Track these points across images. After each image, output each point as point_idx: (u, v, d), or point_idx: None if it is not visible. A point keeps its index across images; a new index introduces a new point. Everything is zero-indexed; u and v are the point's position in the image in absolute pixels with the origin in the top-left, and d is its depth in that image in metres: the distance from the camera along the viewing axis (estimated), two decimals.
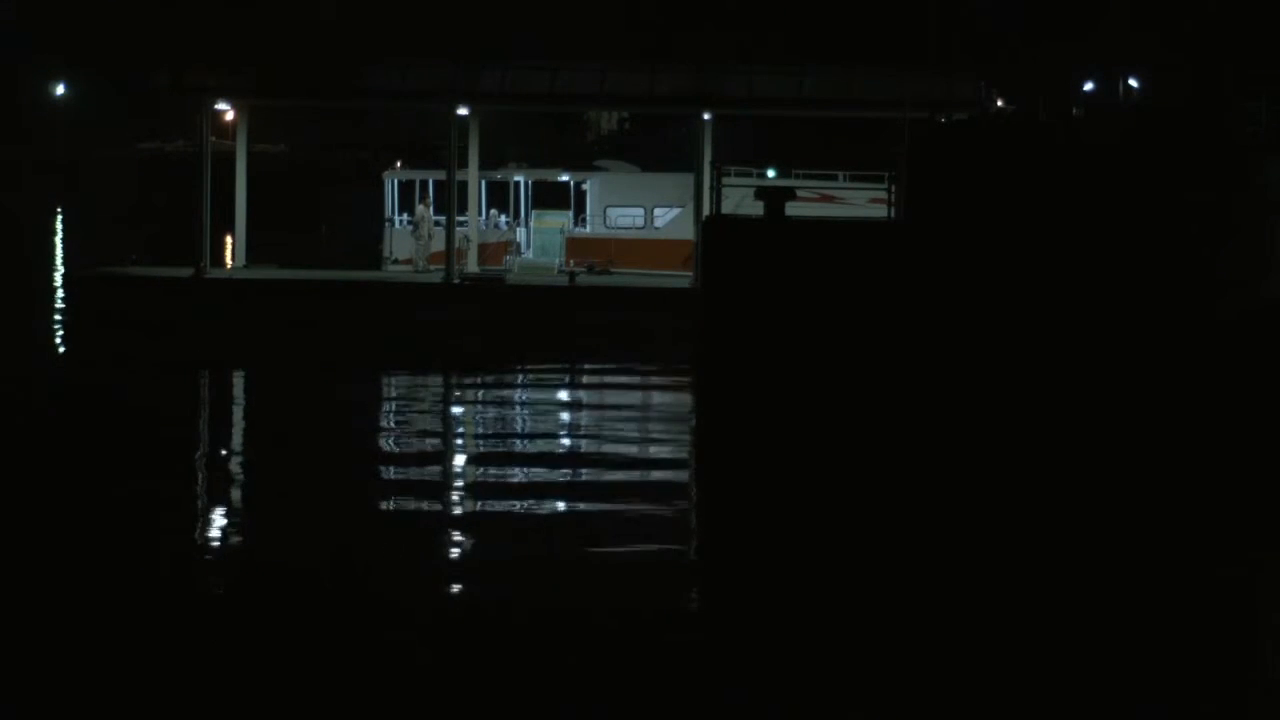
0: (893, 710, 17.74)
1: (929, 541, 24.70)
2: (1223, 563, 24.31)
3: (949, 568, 23.30)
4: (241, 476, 29.63)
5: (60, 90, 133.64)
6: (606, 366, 43.27)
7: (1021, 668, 19.10)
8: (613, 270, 51.97)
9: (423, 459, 31.55)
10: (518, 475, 30.10)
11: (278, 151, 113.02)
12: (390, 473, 30.58)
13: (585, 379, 42.38)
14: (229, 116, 56.57)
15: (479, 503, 27.57)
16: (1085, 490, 27.69)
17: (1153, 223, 29.80)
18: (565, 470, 30.48)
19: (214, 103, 52.38)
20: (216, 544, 24.49)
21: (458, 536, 25.03)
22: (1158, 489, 27.87)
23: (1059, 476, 28.27)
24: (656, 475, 30.24)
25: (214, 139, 53.09)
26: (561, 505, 27.15)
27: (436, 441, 33.31)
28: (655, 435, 34.81)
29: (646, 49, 70.06)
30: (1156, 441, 28.85)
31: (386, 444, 33.36)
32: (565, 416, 36.95)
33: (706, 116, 50.22)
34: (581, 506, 27.15)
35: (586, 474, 30.19)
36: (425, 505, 27.48)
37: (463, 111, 51.34)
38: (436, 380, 41.72)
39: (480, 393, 40.27)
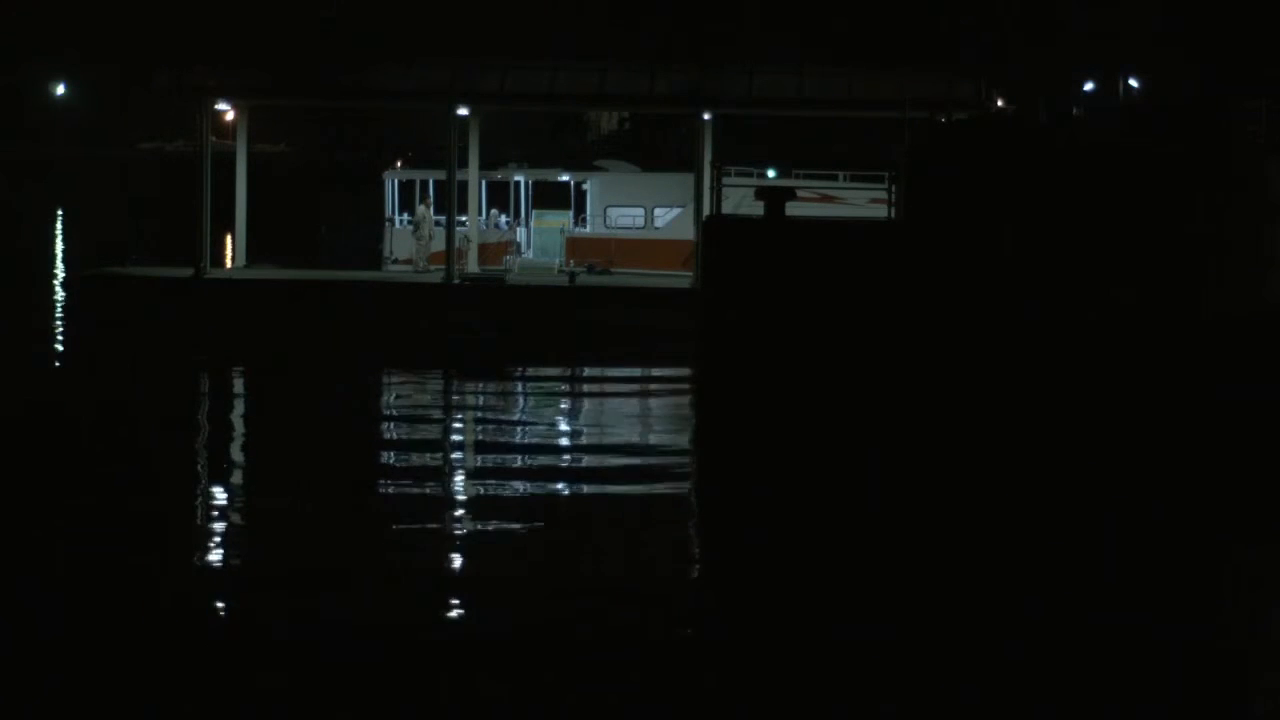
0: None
1: (927, 539, 24.71)
2: (1221, 561, 24.34)
3: (945, 564, 23.30)
4: (242, 476, 29.65)
5: (60, 90, 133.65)
6: (607, 366, 43.27)
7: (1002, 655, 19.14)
8: (613, 270, 51.97)
9: (426, 457, 31.53)
10: (519, 473, 30.09)
11: (278, 151, 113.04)
12: (392, 472, 30.56)
13: (586, 379, 42.37)
14: (229, 116, 56.58)
15: (480, 498, 27.59)
16: (1085, 489, 27.69)
17: (1152, 223, 29.80)
18: (566, 469, 30.48)
19: (214, 103, 52.37)
20: (218, 541, 24.50)
21: (460, 532, 25.07)
22: (1157, 487, 27.88)
23: (1057, 474, 28.28)
24: (656, 469, 30.21)
25: (214, 139, 53.09)
26: (560, 508, 27.18)
27: (439, 440, 33.30)
28: (656, 434, 34.81)
29: (646, 49, 70.06)
30: (1156, 440, 28.86)
31: (389, 443, 33.37)
32: (566, 416, 36.93)
33: (706, 116, 50.20)
34: (582, 506, 27.15)
35: (587, 472, 30.18)
36: (430, 500, 27.47)
37: (463, 111, 51.33)
38: (437, 380, 41.73)
39: (481, 395, 40.26)
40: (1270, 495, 28.02)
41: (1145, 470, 28.61)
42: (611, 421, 36.18)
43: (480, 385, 41.10)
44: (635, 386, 41.20)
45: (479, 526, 25.68)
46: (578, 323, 47.24)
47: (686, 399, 37.51)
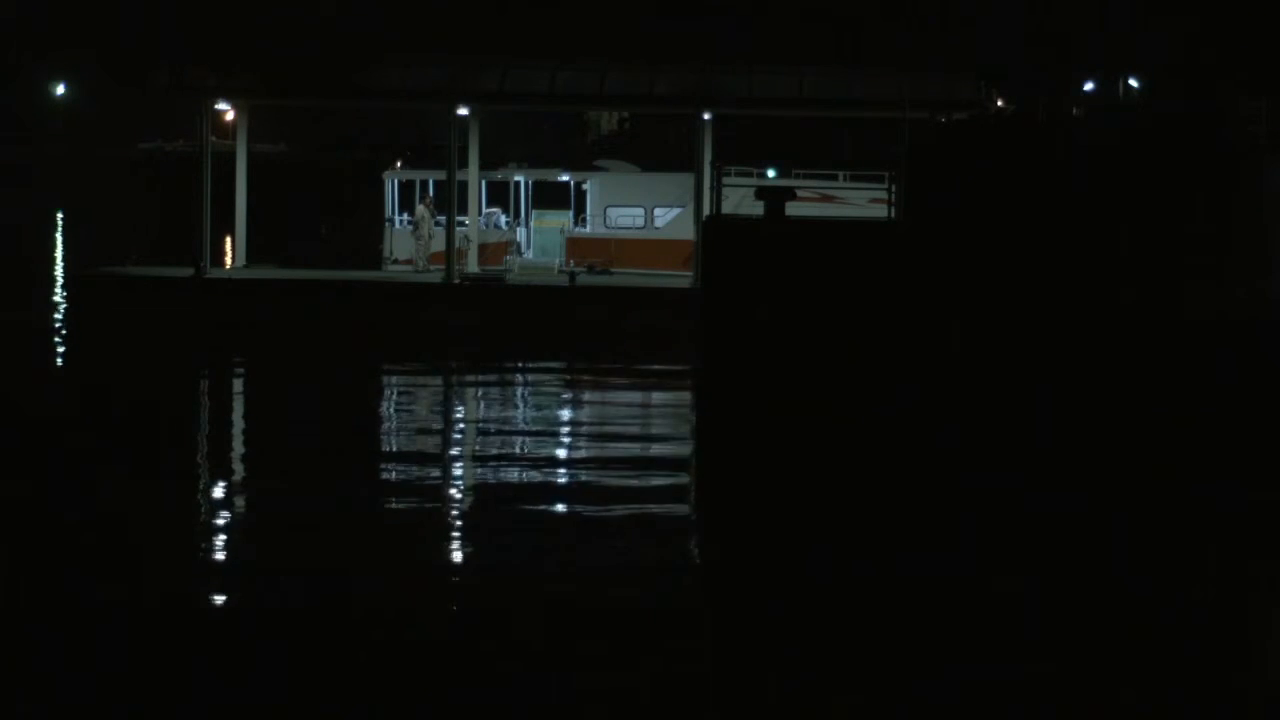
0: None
1: (926, 539, 24.75)
2: (1220, 566, 24.37)
3: (942, 565, 23.33)
4: (242, 475, 29.68)
5: (60, 90, 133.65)
6: (606, 366, 43.29)
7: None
8: (613, 270, 52.00)
9: (426, 457, 31.55)
10: (515, 473, 30.11)
11: (278, 151, 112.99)
12: (391, 474, 30.57)
13: (585, 379, 42.38)
14: (229, 116, 56.60)
15: (478, 496, 27.62)
16: (1084, 491, 27.70)
17: (1152, 223, 29.79)
18: (563, 468, 30.50)
19: (214, 103, 52.42)
20: (217, 536, 24.53)
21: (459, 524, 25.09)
22: (1157, 490, 27.89)
23: (1056, 476, 28.28)
24: (656, 477, 30.24)
25: (214, 139, 53.12)
26: (560, 507, 27.18)
27: (438, 439, 33.31)
28: (656, 434, 34.83)
29: (646, 49, 70.10)
30: (1156, 442, 28.85)
31: (389, 444, 33.38)
32: (564, 415, 36.95)
33: (706, 116, 50.23)
34: (579, 509, 27.16)
35: (585, 475, 30.20)
36: (427, 496, 27.49)
37: (463, 111, 51.36)
38: (437, 379, 41.76)
39: (480, 394, 40.26)
40: (1268, 496, 28.05)
41: (1147, 472, 28.61)
42: (612, 421, 36.17)
43: (479, 385, 41.08)
44: (635, 383, 41.20)
45: (476, 523, 25.70)
46: (578, 323, 47.29)
47: (686, 398, 37.50)
